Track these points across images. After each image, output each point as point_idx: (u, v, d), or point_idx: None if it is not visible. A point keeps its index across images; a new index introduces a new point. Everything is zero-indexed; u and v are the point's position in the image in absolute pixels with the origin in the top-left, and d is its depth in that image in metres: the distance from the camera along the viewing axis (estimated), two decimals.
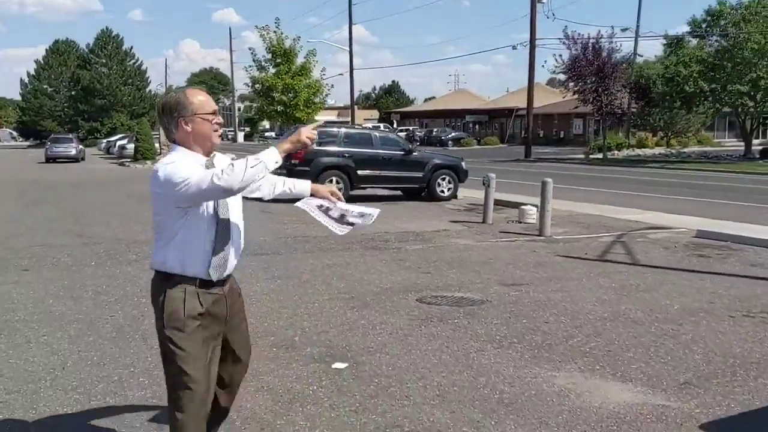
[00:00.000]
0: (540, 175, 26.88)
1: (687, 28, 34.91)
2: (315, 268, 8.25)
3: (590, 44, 34.29)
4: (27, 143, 79.89)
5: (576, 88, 35.74)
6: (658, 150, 41.67)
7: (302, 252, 9.42)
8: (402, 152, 16.61)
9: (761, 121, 34.56)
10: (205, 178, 2.61)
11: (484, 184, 12.71)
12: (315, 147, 15.64)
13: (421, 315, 6.06)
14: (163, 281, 2.84)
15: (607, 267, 8.45)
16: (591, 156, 37.08)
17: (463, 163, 17.27)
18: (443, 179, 16.75)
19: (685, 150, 41.03)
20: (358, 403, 4.11)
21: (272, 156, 2.67)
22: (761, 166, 28.68)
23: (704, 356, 4.95)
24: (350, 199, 15.43)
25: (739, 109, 31.38)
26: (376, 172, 16.16)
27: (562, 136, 60.87)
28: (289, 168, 15.85)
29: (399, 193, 17.35)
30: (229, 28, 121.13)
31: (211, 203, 2.81)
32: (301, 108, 22.03)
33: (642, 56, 44.11)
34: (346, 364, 4.78)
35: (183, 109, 2.81)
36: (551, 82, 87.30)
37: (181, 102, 2.82)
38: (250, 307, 6.37)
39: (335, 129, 17.35)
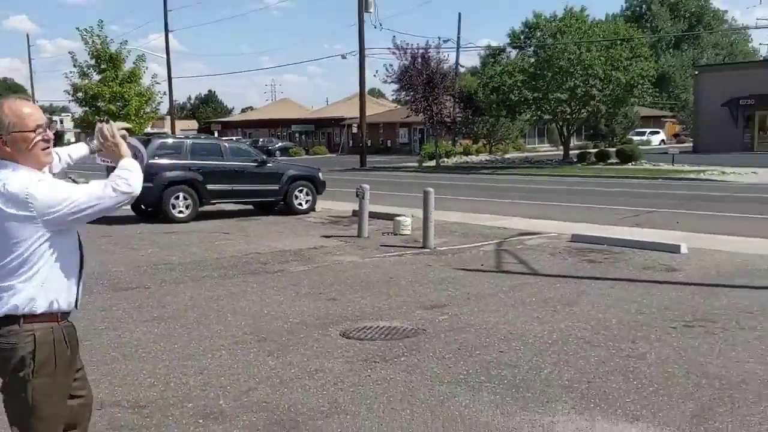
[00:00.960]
0: (382, 183, 26.82)
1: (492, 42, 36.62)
2: (198, 303, 7.03)
3: (420, 54, 34.90)
4: None
5: (407, 98, 36.21)
6: (482, 157, 43.48)
7: (172, 283, 8.10)
8: (255, 164, 15.42)
9: (574, 127, 37.11)
10: (103, 192, 2.48)
11: (357, 195, 11.98)
12: (158, 161, 14.07)
13: (358, 355, 5.17)
14: (24, 324, 2.44)
15: (513, 279, 8.04)
16: (424, 164, 37.77)
17: (320, 174, 16.44)
18: (301, 191, 15.80)
19: (508, 156, 43.20)
20: None
21: (130, 162, 2.66)
22: (582, 168, 30.71)
23: (687, 380, 4.55)
24: (199, 216, 14.01)
25: (558, 116, 33.45)
26: (228, 186, 14.85)
27: (389, 145, 61.88)
28: None
29: (250, 207, 16.15)
30: (27, 35, 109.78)
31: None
32: (132, 118, 19.98)
33: (463, 67, 45.91)
34: None
35: None
36: (372, 92, 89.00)
37: None
38: (144, 362, 5.13)
39: (180, 139, 15.77)
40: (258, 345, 5.48)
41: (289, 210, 15.53)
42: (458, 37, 43.63)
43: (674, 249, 9.71)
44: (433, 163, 37.31)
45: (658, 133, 60.28)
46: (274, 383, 4.61)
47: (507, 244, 10.81)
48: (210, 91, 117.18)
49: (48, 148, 2.55)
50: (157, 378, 4.74)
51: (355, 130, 70.95)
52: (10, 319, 2.44)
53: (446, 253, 9.99)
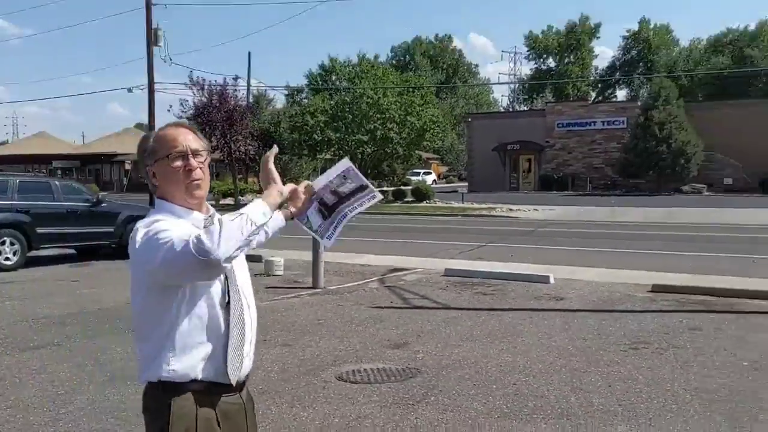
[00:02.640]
0: None
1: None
2: None
3: (218, 91, 34.24)
4: None
5: (205, 135, 35.17)
6: None
7: (84, 338, 7.18)
8: (88, 204, 14.05)
9: (372, 167, 38.82)
10: (181, 240, 1.88)
11: None
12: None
13: (384, 399, 5.06)
14: (164, 392, 2.07)
15: (436, 315, 8.30)
16: (221, 201, 36.81)
17: None
18: None
19: None
20: None
21: (258, 208, 1.98)
22: (383, 206, 32.11)
23: (693, 396, 5.12)
24: (27, 263, 12.68)
25: (360, 156, 34.76)
26: (60, 229, 13.35)
27: None
28: None
29: (73, 252, 14.60)
30: None
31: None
32: None
33: (250, 105, 45.71)
34: None
35: (145, 156, 2.19)
36: (140, 127, 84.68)
37: (142, 145, 2.21)
38: None
39: (4, 177, 13.86)
40: (266, 397, 5.11)
41: (124, 253, 14.28)
42: (248, 76, 43.51)
43: (544, 280, 10.67)
44: (230, 201, 36.51)
45: (430, 173, 64.94)
46: None
47: (388, 281, 11.07)
48: None
49: (194, 180, 2.13)
50: None
51: (128, 166, 67.21)
52: (152, 385, 2.12)
53: (341, 293, 9.98)
